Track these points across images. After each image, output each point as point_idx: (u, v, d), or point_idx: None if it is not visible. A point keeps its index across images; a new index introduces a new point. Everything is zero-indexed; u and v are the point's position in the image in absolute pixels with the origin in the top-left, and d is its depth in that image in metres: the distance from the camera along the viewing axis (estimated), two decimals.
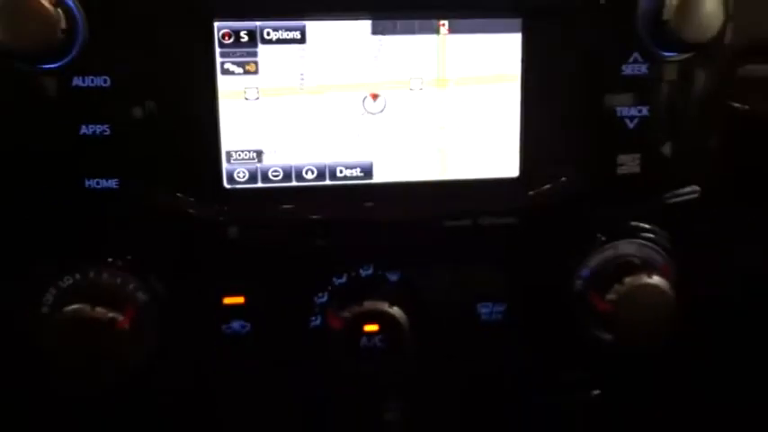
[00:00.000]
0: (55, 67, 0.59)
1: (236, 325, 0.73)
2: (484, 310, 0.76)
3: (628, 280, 0.68)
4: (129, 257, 0.67)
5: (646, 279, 0.68)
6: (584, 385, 0.85)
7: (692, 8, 0.61)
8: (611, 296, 0.69)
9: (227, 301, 0.72)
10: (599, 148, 0.65)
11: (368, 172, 0.65)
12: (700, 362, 0.85)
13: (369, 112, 0.64)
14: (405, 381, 0.79)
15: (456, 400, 0.87)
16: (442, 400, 0.86)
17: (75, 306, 0.63)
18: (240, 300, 0.73)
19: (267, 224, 0.64)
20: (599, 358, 0.80)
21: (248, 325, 0.73)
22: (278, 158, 0.64)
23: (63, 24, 0.57)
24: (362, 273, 0.73)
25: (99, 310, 0.63)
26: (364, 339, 0.70)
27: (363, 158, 0.65)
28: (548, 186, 0.66)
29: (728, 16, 0.63)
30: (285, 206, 0.64)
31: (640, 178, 0.67)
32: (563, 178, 0.66)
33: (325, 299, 0.73)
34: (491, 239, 0.68)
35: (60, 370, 0.65)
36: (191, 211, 0.63)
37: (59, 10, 0.57)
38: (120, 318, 0.64)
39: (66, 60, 0.59)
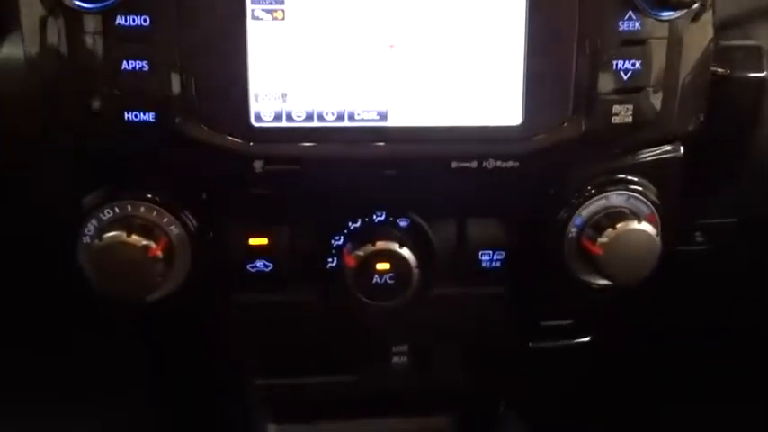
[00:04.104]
0: (100, 7, 0.56)
1: (259, 264, 0.70)
2: (485, 257, 0.73)
3: (619, 225, 0.65)
4: (164, 193, 0.63)
5: (635, 224, 0.65)
6: (574, 332, 0.81)
7: None
8: (603, 240, 0.66)
9: (253, 241, 0.69)
10: (595, 98, 0.62)
11: (383, 116, 0.62)
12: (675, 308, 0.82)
13: (386, 62, 0.61)
14: (410, 324, 0.75)
15: (456, 343, 0.83)
16: (444, 343, 0.82)
17: (113, 233, 0.61)
18: (264, 241, 0.69)
19: (289, 159, 0.61)
20: (588, 305, 0.76)
21: (271, 264, 0.70)
22: (301, 101, 0.61)
23: None
24: (376, 218, 0.70)
25: (134, 237, 0.61)
26: (376, 277, 0.67)
27: (380, 103, 0.62)
28: (547, 133, 0.62)
29: None
30: (306, 144, 0.61)
31: (632, 128, 0.63)
32: (564, 124, 0.62)
33: (341, 241, 0.70)
34: (494, 183, 0.64)
35: (99, 290, 0.62)
36: (220, 144, 0.60)
37: None
38: (154, 246, 0.61)
39: (110, 1, 0.56)
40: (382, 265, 0.67)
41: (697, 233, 0.80)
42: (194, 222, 0.66)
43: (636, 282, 0.67)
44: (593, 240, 0.67)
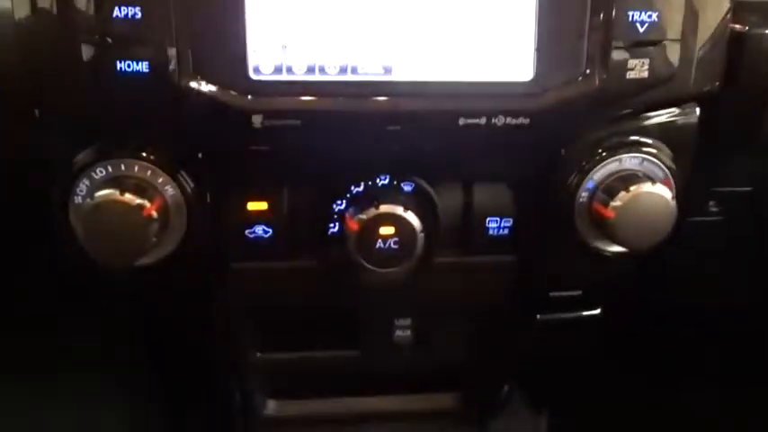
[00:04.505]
0: None
1: (258, 229, 0.67)
2: (492, 224, 0.70)
3: (633, 188, 0.62)
4: (160, 152, 0.60)
5: (650, 187, 0.62)
6: (584, 304, 0.78)
7: None
8: (615, 203, 0.63)
9: (252, 206, 0.66)
10: (610, 51, 0.59)
11: (388, 70, 0.59)
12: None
13: (391, 13, 0.58)
14: (413, 294, 0.72)
15: (461, 317, 0.80)
16: (448, 315, 0.79)
17: (106, 191, 0.58)
18: (263, 206, 0.66)
19: (289, 114, 0.57)
20: (599, 274, 0.73)
21: (270, 230, 0.67)
22: (302, 53, 0.58)
23: None
24: (379, 182, 0.67)
25: (128, 196, 0.57)
26: (380, 242, 0.64)
27: (384, 57, 0.59)
28: (559, 89, 0.59)
29: None
30: (307, 98, 0.57)
31: (647, 84, 0.60)
32: (578, 79, 0.58)
33: (343, 206, 0.67)
34: (503, 143, 0.61)
35: (92, 254, 0.59)
36: (217, 97, 0.56)
37: None
38: (148, 205, 0.58)
39: None
40: (386, 230, 0.64)
41: (711, 202, 0.77)
42: (191, 184, 0.63)
43: (649, 248, 0.64)
44: (606, 204, 0.64)
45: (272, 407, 0.90)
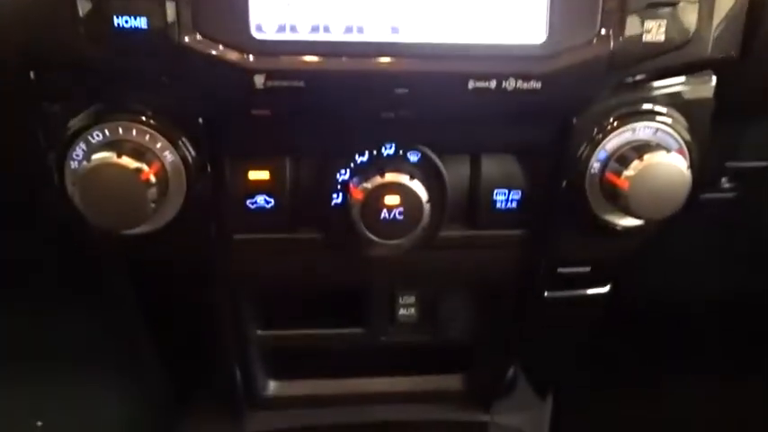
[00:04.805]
0: None
1: (260, 199, 0.65)
2: (499, 197, 0.68)
3: (646, 156, 0.60)
4: (159, 116, 0.58)
5: (664, 156, 0.60)
6: (592, 282, 0.75)
7: None
8: (629, 172, 0.60)
9: (253, 175, 0.64)
10: (626, 12, 0.56)
11: (395, 30, 0.56)
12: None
13: None
14: (418, 268, 0.70)
15: (466, 294, 0.78)
16: (453, 292, 0.77)
17: (102, 154, 0.56)
18: (265, 175, 0.64)
19: (292, 74, 0.55)
20: (609, 250, 0.71)
21: (272, 200, 0.65)
22: (307, 12, 0.56)
23: None
24: (384, 151, 0.64)
25: (125, 159, 0.55)
26: (384, 212, 0.62)
27: (392, 16, 0.56)
28: (573, 52, 0.57)
29: None
30: (311, 58, 0.55)
31: (663, 48, 0.57)
32: (592, 41, 0.56)
33: (347, 176, 0.64)
34: (513, 109, 0.58)
35: (89, 220, 0.57)
36: (218, 56, 0.54)
37: None
38: (146, 169, 0.55)
39: None
40: (391, 199, 0.62)
41: (723, 178, 0.75)
42: (190, 150, 0.61)
43: (662, 219, 0.62)
44: (619, 174, 0.62)
45: (273, 388, 0.89)
